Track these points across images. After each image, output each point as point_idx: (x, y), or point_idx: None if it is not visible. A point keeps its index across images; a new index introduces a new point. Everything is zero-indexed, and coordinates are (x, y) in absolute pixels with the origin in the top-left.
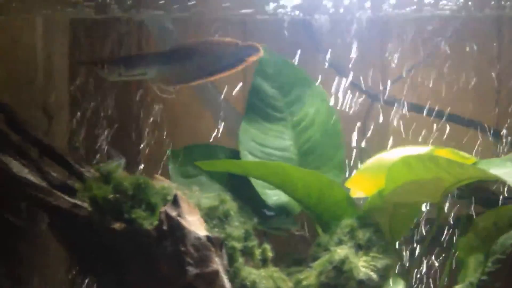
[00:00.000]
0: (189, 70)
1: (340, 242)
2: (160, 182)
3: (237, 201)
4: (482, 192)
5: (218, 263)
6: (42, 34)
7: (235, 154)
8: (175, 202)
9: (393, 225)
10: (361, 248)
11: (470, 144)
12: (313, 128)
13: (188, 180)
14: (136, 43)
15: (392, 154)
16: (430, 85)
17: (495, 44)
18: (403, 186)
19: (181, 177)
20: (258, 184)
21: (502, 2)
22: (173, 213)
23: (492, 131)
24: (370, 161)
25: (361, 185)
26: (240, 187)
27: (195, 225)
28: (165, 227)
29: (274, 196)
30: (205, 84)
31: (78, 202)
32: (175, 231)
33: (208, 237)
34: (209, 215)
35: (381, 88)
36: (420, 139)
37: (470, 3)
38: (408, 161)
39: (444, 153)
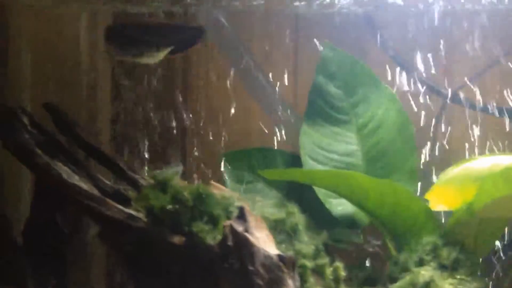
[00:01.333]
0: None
1: (421, 262)
2: (219, 191)
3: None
4: None
5: (291, 286)
6: (86, 28)
7: (295, 159)
8: (242, 216)
9: (478, 242)
10: (446, 269)
11: None
12: (381, 132)
13: (244, 186)
14: None
15: (480, 164)
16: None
17: None
18: (499, 200)
19: (236, 182)
20: (321, 193)
21: None
22: (240, 228)
23: None
24: (454, 171)
25: (444, 197)
26: (301, 194)
27: (264, 242)
28: (230, 243)
29: (339, 205)
30: (259, 81)
31: (133, 212)
32: (241, 248)
33: (280, 256)
34: (276, 229)
35: (454, 88)
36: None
37: None
38: (508, 174)
39: None
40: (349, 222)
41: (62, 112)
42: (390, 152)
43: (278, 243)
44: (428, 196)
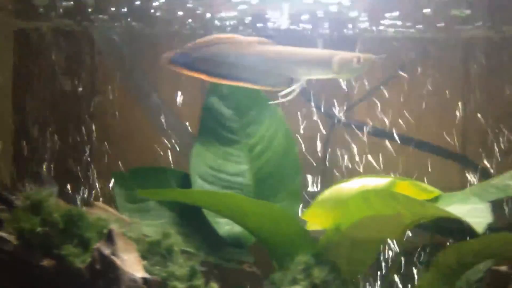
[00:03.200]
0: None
1: (294, 281)
2: (98, 212)
3: (188, 229)
4: (446, 222)
5: None
6: None
7: (188, 179)
8: (110, 238)
9: (351, 262)
10: (318, 287)
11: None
12: (270, 152)
13: (136, 205)
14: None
15: (351, 185)
16: (393, 109)
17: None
18: (362, 221)
19: (128, 202)
20: (209, 212)
21: (470, 26)
22: (107, 251)
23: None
24: (327, 192)
25: (318, 218)
26: (192, 214)
27: (131, 265)
28: (98, 266)
29: (226, 225)
30: (153, 101)
31: (4, 235)
32: (108, 271)
33: (145, 279)
34: (151, 251)
35: (341, 111)
36: (382, 167)
37: (437, 25)
38: (367, 196)
39: (405, 185)
40: (236, 242)
41: None
42: (277, 173)
43: (152, 266)
44: (304, 216)
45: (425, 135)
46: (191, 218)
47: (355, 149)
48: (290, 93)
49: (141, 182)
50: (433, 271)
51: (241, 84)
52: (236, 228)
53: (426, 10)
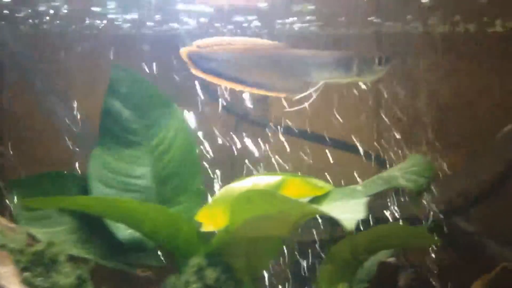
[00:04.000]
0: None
1: (187, 284)
2: None
3: (88, 235)
4: None
5: None
6: None
7: None
8: None
9: (251, 259)
10: None
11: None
12: (171, 153)
13: (34, 213)
14: None
15: (242, 185)
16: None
17: None
18: (248, 221)
19: (26, 210)
20: None
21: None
22: None
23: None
24: (220, 192)
25: (211, 218)
26: (93, 219)
27: (7, 277)
28: None
29: (126, 229)
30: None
31: None
32: None
33: None
34: (33, 262)
35: (250, 108)
36: (290, 165)
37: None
38: (250, 197)
39: (296, 182)
40: (138, 246)
41: None
42: (178, 174)
43: (34, 277)
44: (198, 217)
45: (340, 132)
46: (92, 224)
47: (264, 147)
48: (307, 97)
49: (39, 189)
50: (328, 264)
51: (254, 90)
52: (137, 233)
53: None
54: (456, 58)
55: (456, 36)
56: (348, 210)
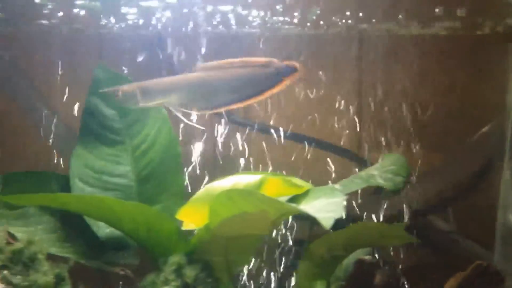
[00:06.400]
0: (217, 95)
1: (166, 282)
2: None
3: (68, 233)
4: None
5: None
6: None
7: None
8: None
9: (230, 257)
10: (189, 287)
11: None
12: (153, 152)
13: (14, 212)
14: None
15: (223, 183)
16: (283, 105)
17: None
18: (229, 220)
19: (5, 208)
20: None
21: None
22: None
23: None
24: (201, 191)
25: (192, 217)
26: (73, 217)
27: None
28: None
29: (107, 228)
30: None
31: None
32: None
33: None
34: (12, 260)
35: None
36: (270, 163)
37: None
38: (231, 195)
39: (276, 181)
40: (117, 244)
41: None
42: (159, 173)
43: (13, 275)
44: (179, 215)
45: (322, 132)
46: (72, 222)
47: (246, 146)
48: None
49: (19, 188)
50: (306, 262)
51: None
52: (117, 231)
53: None
54: (433, 58)
55: (431, 37)
56: (327, 209)
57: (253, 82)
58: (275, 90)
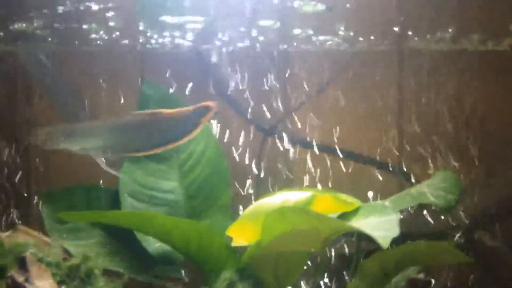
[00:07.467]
0: (138, 140)
1: None
2: (20, 236)
3: (119, 248)
4: None
5: None
6: None
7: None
8: (23, 266)
9: (279, 274)
10: None
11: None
12: (200, 168)
13: (66, 226)
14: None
15: (272, 200)
16: (325, 120)
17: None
18: (280, 236)
19: (57, 223)
20: None
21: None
22: (20, 279)
23: (396, 168)
24: (250, 208)
25: (242, 233)
26: (123, 232)
27: None
28: None
29: (156, 243)
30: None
31: None
32: None
33: None
34: (69, 276)
35: (275, 122)
36: (318, 178)
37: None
38: (283, 212)
39: (325, 198)
40: (167, 259)
41: None
42: (207, 188)
43: None
44: (229, 232)
45: (363, 146)
46: (122, 237)
47: (289, 162)
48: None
49: (70, 202)
50: (358, 279)
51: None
52: (166, 246)
53: None
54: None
55: (473, 53)
56: (381, 227)
57: (172, 127)
58: (194, 133)
